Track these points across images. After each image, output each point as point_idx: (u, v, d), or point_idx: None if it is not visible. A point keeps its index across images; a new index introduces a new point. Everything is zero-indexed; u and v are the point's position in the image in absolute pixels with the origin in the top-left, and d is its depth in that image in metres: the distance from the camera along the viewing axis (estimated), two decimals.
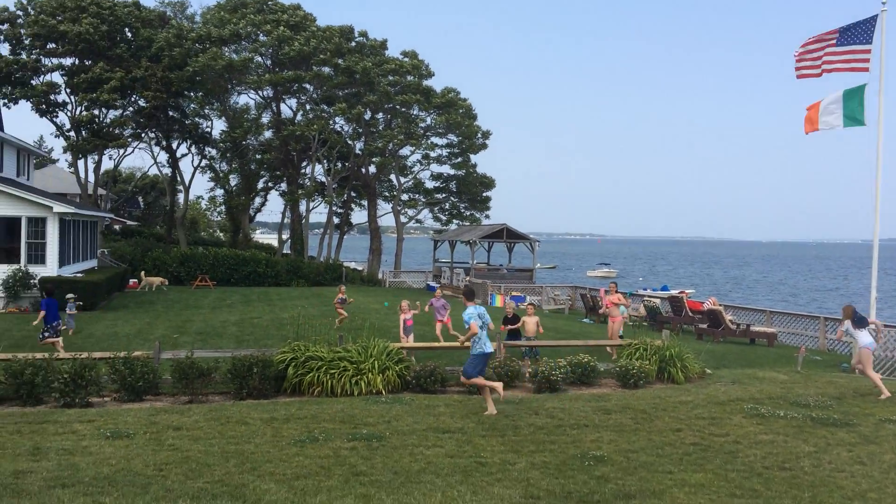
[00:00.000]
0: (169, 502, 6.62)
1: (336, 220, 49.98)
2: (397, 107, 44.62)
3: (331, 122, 45.10)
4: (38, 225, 24.27)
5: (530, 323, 15.85)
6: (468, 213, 50.03)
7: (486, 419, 10.32)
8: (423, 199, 50.39)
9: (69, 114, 40.36)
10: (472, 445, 8.91)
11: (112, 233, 47.95)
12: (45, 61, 38.86)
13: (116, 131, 41.43)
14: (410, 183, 50.20)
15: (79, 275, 26.11)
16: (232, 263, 38.76)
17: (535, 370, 13.07)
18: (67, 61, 39.59)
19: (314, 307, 25.94)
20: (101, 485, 7.08)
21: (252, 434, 9.28)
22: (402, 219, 49.26)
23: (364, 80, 42.48)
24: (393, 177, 49.54)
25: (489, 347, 10.85)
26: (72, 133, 40.48)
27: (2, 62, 37.10)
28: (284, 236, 52.52)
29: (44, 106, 39.32)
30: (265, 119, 48.63)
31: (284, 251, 50.91)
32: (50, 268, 24.25)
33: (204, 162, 48.52)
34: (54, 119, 40.60)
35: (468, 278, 37.57)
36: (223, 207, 56.56)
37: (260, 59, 43.83)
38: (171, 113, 43.69)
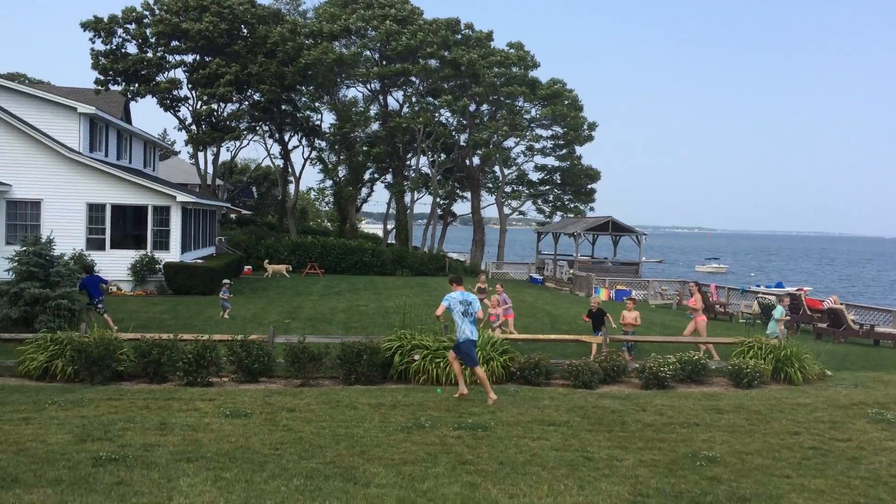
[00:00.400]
0: (284, 480, 6.90)
1: (440, 211, 50.45)
2: (502, 98, 44.50)
3: (436, 114, 45.50)
4: (162, 213, 25.71)
5: (629, 317, 15.60)
6: (572, 206, 49.42)
7: (593, 413, 10.19)
8: (527, 191, 50.12)
9: (190, 108, 42.49)
10: (578, 439, 8.83)
11: (228, 221, 50.23)
12: (169, 58, 40.99)
13: (233, 124, 43.29)
14: (514, 174, 50.06)
15: (199, 261, 27.50)
16: (339, 252, 39.82)
17: (642, 366, 12.81)
18: (189, 58, 41.65)
19: (418, 297, 26.31)
20: (222, 460, 7.45)
21: (361, 418, 9.53)
22: (506, 210, 49.20)
23: (469, 72, 42.61)
24: (497, 168, 49.53)
25: (470, 334, 10.86)
26: (192, 126, 42.60)
27: (130, 60, 39.43)
28: (389, 226, 53.49)
29: (167, 101, 41.52)
30: (372, 112, 49.60)
31: (389, 241, 51.86)
32: (173, 254, 25.64)
33: (314, 154, 50.03)
34: (177, 113, 42.83)
35: (572, 271, 37.15)
36: (331, 198, 58.12)
37: (368, 53, 44.71)
38: (283, 106, 45.22)
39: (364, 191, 54.21)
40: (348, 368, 12.23)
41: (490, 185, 50.93)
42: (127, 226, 25.55)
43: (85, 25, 39.19)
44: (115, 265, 24.88)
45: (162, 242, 25.65)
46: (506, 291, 19.61)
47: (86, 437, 8.11)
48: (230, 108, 43.62)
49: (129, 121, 38.93)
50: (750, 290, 32.43)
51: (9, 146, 24.22)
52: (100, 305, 16.54)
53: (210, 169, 45.88)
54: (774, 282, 56.05)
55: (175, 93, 41.31)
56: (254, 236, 41.25)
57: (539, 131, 47.54)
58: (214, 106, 42.05)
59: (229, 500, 6.33)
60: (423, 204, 54.08)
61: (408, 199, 47.94)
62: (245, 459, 7.53)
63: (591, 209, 49.07)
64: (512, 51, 44.98)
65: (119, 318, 17.54)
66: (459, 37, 44.69)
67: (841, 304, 22.84)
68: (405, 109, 46.68)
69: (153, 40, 40.00)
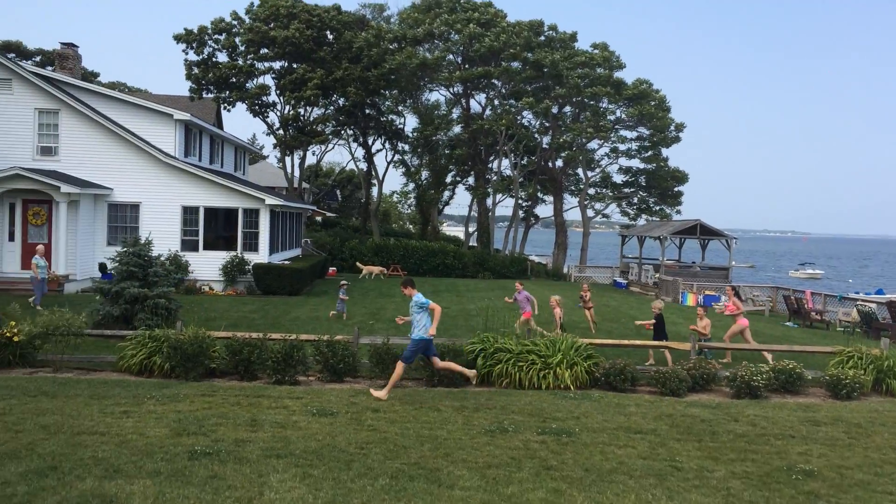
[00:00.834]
0: (370, 479, 6.98)
1: (521, 214, 50.24)
2: (586, 100, 43.95)
3: (518, 116, 45.34)
4: (252, 216, 26.54)
5: (700, 325, 15.08)
6: (657, 208, 48.28)
7: (681, 421, 9.91)
8: (611, 194, 49.30)
9: (278, 113, 43.74)
10: (666, 448, 8.61)
11: (314, 223, 51.40)
12: (258, 65, 42.32)
13: (319, 128, 44.32)
14: (598, 177, 49.32)
15: (286, 262, 28.24)
16: (422, 254, 40.17)
17: (733, 374, 12.38)
18: (277, 65, 42.90)
19: (500, 300, 26.21)
20: (310, 458, 7.61)
21: (444, 421, 9.56)
22: (589, 213, 48.53)
23: (552, 74, 42.27)
24: (580, 170, 48.92)
25: (424, 333, 10.82)
26: (280, 131, 43.83)
27: (222, 68, 40.92)
28: (471, 229, 53.63)
29: (256, 107, 42.88)
30: (455, 115, 49.86)
31: (470, 244, 51.98)
32: (262, 255, 26.43)
33: (397, 157, 50.69)
34: (265, 118, 44.16)
35: (658, 275, 36.31)
36: (414, 200, 58.73)
37: (451, 56, 44.95)
38: (367, 110, 45.99)
39: (446, 193, 54.55)
40: (431, 370, 12.29)
41: (573, 188, 50.35)
42: (218, 228, 26.49)
43: (178, 38, 40.94)
44: (207, 266, 25.86)
45: (251, 244, 26.47)
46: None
47: (182, 432, 8.43)
48: (316, 112, 44.67)
49: (220, 126, 40.40)
50: (848, 296, 30.92)
51: (111, 152, 25.50)
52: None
53: (296, 172, 47.10)
54: (874, 288, 53.31)
55: (264, 98, 42.61)
56: (338, 238, 42.07)
57: (624, 133, 46.74)
58: (301, 110, 43.15)
59: (317, 497, 6.45)
60: (504, 206, 53.98)
61: (489, 201, 47.94)
62: (332, 457, 7.66)
63: (678, 212, 47.84)
64: (596, 51, 44.36)
65: (211, 316, 18.18)
66: (543, 38, 44.42)
67: None
68: (487, 112, 46.72)
69: (242, 48, 41.38)
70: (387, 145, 49.47)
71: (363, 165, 51.12)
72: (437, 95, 66.30)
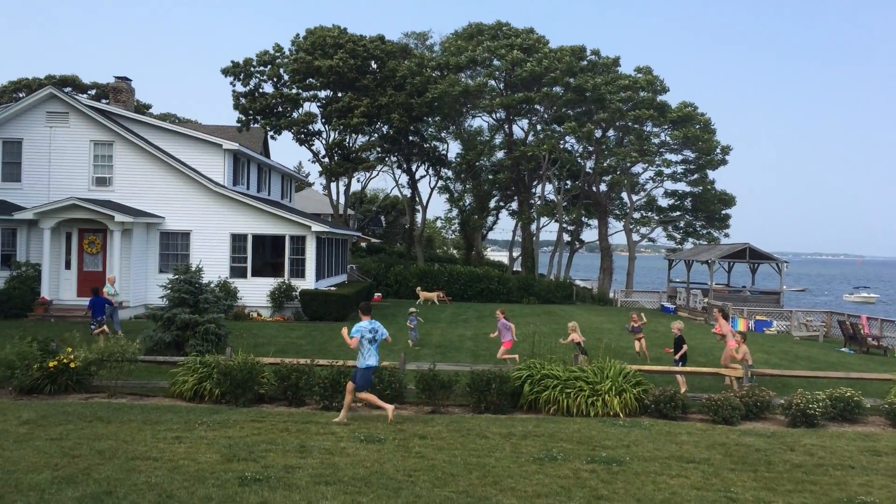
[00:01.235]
0: None
1: (566, 238, 49.96)
2: (629, 123, 43.73)
3: (561, 141, 45.29)
4: (298, 243, 26.89)
5: (744, 351, 14.40)
6: (705, 232, 47.58)
7: (735, 451, 9.67)
8: (657, 217, 48.76)
9: (323, 141, 44.44)
10: (719, 478, 8.40)
11: (359, 249, 51.85)
12: (303, 94, 43.15)
13: (364, 155, 44.88)
14: (643, 200, 48.86)
15: (332, 288, 28.49)
16: (466, 280, 40.16)
17: (788, 402, 12.05)
18: (322, 94, 43.67)
19: (546, 325, 26.05)
20: (359, 485, 7.61)
21: (492, 448, 9.48)
22: (634, 237, 48.03)
23: (595, 98, 42.21)
24: (624, 194, 48.55)
25: (373, 361, 10.92)
26: (325, 158, 44.49)
27: (267, 98, 41.85)
28: (515, 254, 53.48)
29: (302, 135, 43.64)
30: (497, 140, 50.04)
31: (515, 269, 51.81)
32: (308, 281, 26.72)
33: (440, 183, 50.98)
34: (311, 147, 44.89)
35: (707, 300, 35.66)
36: (457, 226, 58.93)
37: (493, 83, 45.23)
38: (411, 137, 46.44)
39: (489, 219, 54.60)
40: (478, 397, 12.24)
41: (618, 212, 49.95)
42: (266, 254, 26.89)
43: (226, 71, 42.04)
44: (255, 292, 26.23)
45: (298, 270, 26.80)
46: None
47: (232, 457, 8.52)
48: (361, 139, 45.27)
49: (267, 155, 41.19)
50: None
51: (163, 181, 26.18)
52: (92, 325, 17.43)
53: (342, 199, 47.66)
54: None
55: (309, 127, 43.36)
56: (383, 264, 42.33)
57: (669, 156, 46.31)
58: (346, 137, 43.78)
59: None
60: (548, 231, 53.85)
61: (533, 226, 47.83)
62: (380, 485, 7.65)
63: (726, 235, 47.06)
64: (640, 75, 44.20)
65: (259, 342, 18.39)
66: (585, 62, 44.45)
67: None
68: (530, 137, 46.78)
69: (286, 78, 42.30)
70: (430, 171, 49.85)
71: (407, 192, 51.53)
72: (479, 121, 66.67)
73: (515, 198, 50.39)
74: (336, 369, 12.41)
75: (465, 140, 48.57)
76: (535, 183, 48.65)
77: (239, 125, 41.22)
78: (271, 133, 42.64)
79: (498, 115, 47.40)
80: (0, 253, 24.89)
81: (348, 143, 44.25)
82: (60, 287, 24.61)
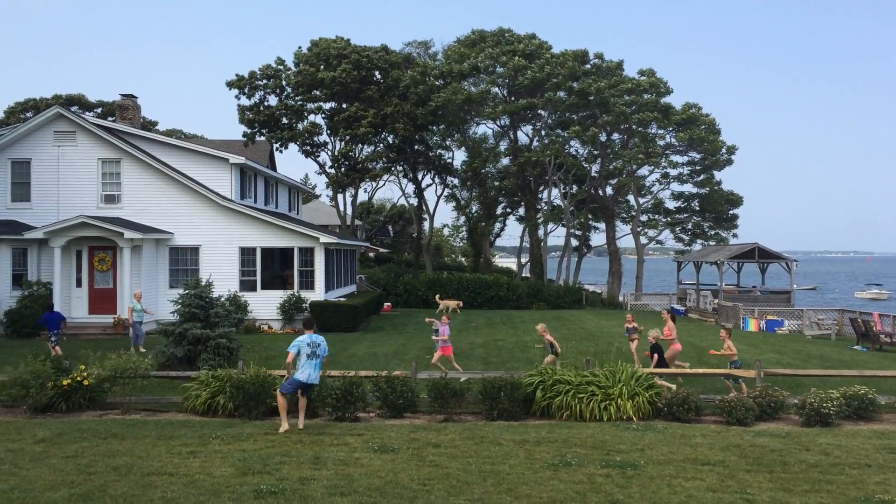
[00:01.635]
0: None
1: (574, 243, 49.93)
2: (634, 126, 43.73)
3: (566, 145, 45.31)
4: (307, 254, 26.96)
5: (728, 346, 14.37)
6: (713, 233, 47.45)
7: (750, 452, 9.64)
8: (664, 220, 48.68)
9: (329, 153, 44.60)
10: (735, 480, 8.37)
11: (367, 259, 51.94)
12: (308, 105, 43.34)
13: (370, 166, 45.02)
14: (650, 203, 48.79)
15: (341, 299, 28.54)
16: (475, 287, 40.13)
17: (802, 402, 12.00)
18: (326, 105, 43.86)
19: (557, 330, 25.99)
20: (373, 495, 7.62)
21: (506, 455, 9.48)
22: (642, 240, 47.95)
23: (598, 102, 42.23)
24: (631, 197, 48.49)
25: (303, 377, 11.10)
26: (331, 169, 44.64)
27: (272, 109, 42.08)
28: (523, 260, 53.46)
29: (307, 147, 43.82)
30: (502, 147, 50.12)
31: (523, 275, 51.77)
32: (317, 293, 26.77)
33: (446, 191, 51.07)
34: (317, 158, 45.06)
35: (717, 301, 35.54)
36: (465, 233, 58.99)
37: (496, 90, 45.32)
38: (416, 146, 46.55)
39: (497, 225, 54.64)
40: (490, 404, 12.23)
41: (625, 215, 49.88)
42: (275, 267, 26.97)
43: (230, 84, 42.28)
44: (265, 305, 26.30)
45: (307, 282, 26.85)
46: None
47: (247, 471, 8.54)
48: (367, 150, 45.41)
49: (273, 168, 41.35)
50: None
51: (171, 197, 26.32)
52: (53, 339, 18.34)
53: (349, 210, 47.79)
54: None
55: (315, 139, 43.53)
56: (392, 274, 42.36)
57: (674, 158, 46.24)
58: (353, 148, 43.92)
59: None
60: (556, 236, 53.84)
61: (541, 231, 47.82)
62: (395, 494, 7.66)
63: (734, 236, 46.94)
64: (643, 78, 44.21)
65: (270, 355, 18.42)
66: (588, 66, 44.50)
67: None
68: (535, 143, 46.82)
69: (289, 90, 42.50)
70: (436, 180, 49.95)
71: (414, 201, 51.63)
72: (484, 128, 66.88)
73: (522, 203, 50.43)
74: (348, 380, 12.43)
75: (471, 147, 48.66)
76: (541, 188, 48.68)
77: (245, 139, 41.41)
78: (277, 146, 42.82)
79: (502, 121, 47.49)
80: (11, 273, 25.02)
81: (354, 153, 44.40)
82: (72, 305, 24.73)
